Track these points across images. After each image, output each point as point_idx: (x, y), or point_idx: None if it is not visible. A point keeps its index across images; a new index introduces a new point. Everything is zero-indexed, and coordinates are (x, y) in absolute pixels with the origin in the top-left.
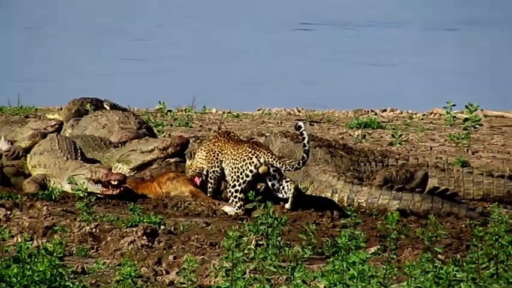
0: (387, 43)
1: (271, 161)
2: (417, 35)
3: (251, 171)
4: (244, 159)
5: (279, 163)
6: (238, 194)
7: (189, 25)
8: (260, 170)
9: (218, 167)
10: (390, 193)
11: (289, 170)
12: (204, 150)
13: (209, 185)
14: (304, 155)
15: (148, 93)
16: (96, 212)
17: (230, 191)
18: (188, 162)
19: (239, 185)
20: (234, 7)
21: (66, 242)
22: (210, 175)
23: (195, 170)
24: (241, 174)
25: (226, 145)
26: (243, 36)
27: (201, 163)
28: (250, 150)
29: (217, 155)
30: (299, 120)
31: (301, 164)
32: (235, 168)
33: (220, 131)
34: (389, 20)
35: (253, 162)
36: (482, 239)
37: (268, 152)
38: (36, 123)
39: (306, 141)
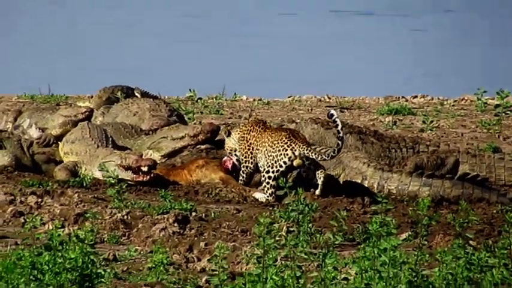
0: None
1: (307, 153)
2: (443, 21)
3: (285, 162)
4: (280, 150)
5: (315, 154)
6: (270, 181)
7: (219, 12)
8: (295, 163)
9: (252, 162)
10: (420, 180)
11: (324, 159)
12: (238, 137)
13: (241, 177)
14: (339, 142)
15: (179, 80)
16: (128, 199)
17: (264, 176)
18: (226, 140)
19: (272, 173)
20: None
21: (97, 229)
22: (243, 169)
23: (227, 149)
24: (275, 163)
25: (262, 135)
26: (272, 24)
27: (233, 144)
28: (286, 141)
29: (252, 148)
30: (331, 107)
31: (336, 152)
32: (270, 156)
33: (254, 120)
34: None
35: (287, 154)
36: None
37: (303, 144)
38: (67, 110)
39: (339, 128)
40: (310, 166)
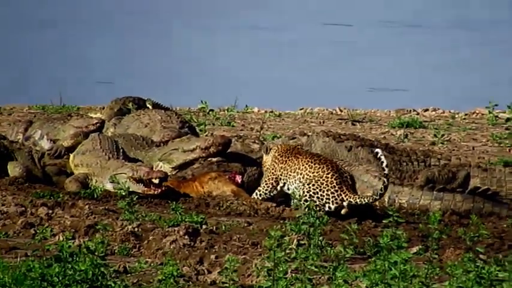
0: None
1: (354, 202)
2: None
3: (329, 207)
4: (325, 192)
5: (359, 200)
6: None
7: (230, 24)
8: (342, 212)
9: (274, 185)
10: (432, 193)
11: (367, 204)
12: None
13: (256, 194)
14: (385, 179)
15: (191, 92)
16: (138, 211)
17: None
18: (265, 157)
19: (312, 200)
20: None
21: (108, 241)
22: (264, 187)
23: (264, 166)
24: (320, 198)
25: (299, 160)
26: (287, 34)
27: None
28: (335, 186)
29: (281, 171)
30: (342, 120)
31: (382, 191)
32: (311, 190)
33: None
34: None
35: (336, 201)
36: None
37: (351, 192)
38: (78, 121)
39: (384, 165)
40: None
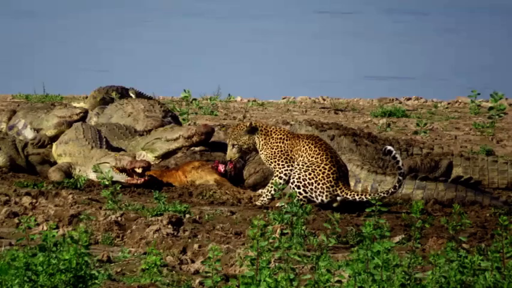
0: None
1: (351, 198)
2: (440, 20)
3: (322, 200)
4: (324, 184)
5: (358, 197)
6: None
7: (212, 14)
8: (334, 204)
9: (287, 174)
10: (414, 182)
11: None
12: (271, 144)
13: (267, 191)
14: (400, 177)
15: (174, 81)
16: (122, 201)
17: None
18: (247, 137)
19: (299, 191)
20: None
21: (91, 231)
22: (284, 173)
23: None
24: (314, 189)
25: (298, 142)
26: (269, 24)
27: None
28: (331, 178)
29: (290, 158)
30: (325, 109)
31: (395, 189)
32: (305, 175)
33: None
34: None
35: (328, 193)
36: (507, 227)
37: (346, 187)
38: (61, 111)
39: (400, 164)
40: None
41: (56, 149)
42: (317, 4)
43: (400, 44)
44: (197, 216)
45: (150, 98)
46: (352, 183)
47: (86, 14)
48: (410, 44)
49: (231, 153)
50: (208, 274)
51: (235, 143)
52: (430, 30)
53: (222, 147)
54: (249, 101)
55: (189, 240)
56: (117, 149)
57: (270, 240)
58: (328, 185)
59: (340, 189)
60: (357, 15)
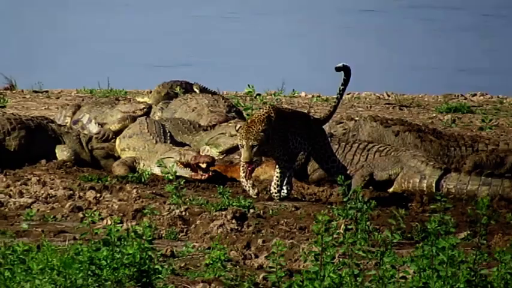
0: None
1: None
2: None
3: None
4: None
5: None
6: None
7: (278, 9)
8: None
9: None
10: (480, 179)
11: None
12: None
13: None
14: (336, 104)
15: (238, 76)
16: (186, 195)
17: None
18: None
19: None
20: None
21: (155, 225)
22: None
23: None
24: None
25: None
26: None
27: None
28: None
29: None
30: (390, 104)
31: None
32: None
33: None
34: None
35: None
36: None
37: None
38: (125, 106)
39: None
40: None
41: (119, 143)
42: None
43: (465, 38)
44: (261, 211)
45: (214, 93)
46: (416, 179)
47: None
48: (476, 38)
49: (251, 154)
50: (272, 269)
51: (255, 143)
52: (499, 26)
53: None
54: (313, 96)
55: (253, 235)
56: (181, 144)
57: (335, 236)
58: None
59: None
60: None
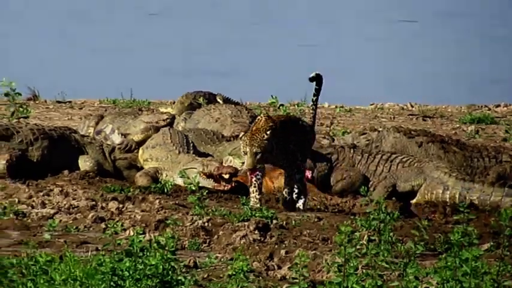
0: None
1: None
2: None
3: None
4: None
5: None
6: None
7: (300, 19)
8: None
9: None
10: (503, 190)
11: None
12: None
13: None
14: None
15: (261, 87)
16: (208, 206)
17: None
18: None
19: None
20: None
21: (178, 236)
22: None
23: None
24: None
25: None
26: (352, 30)
27: None
28: None
29: None
30: (413, 115)
31: None
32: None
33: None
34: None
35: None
36: None
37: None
38: (148, 116)
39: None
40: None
41: (142, 154)
42: (401, 12)
43: (489, 48)
44: (284, 222)
45: (237, 104)
46: (440, 191)
47: (176, 19)
48: (500, 48)
49: (254, 162)
50: (295, 280)
51: (259, 150)
52: None
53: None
54: (336, 107)
55: (276, 246)
56: (204, 155)
57: (358, 247)
58: None
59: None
60: (447, 19)
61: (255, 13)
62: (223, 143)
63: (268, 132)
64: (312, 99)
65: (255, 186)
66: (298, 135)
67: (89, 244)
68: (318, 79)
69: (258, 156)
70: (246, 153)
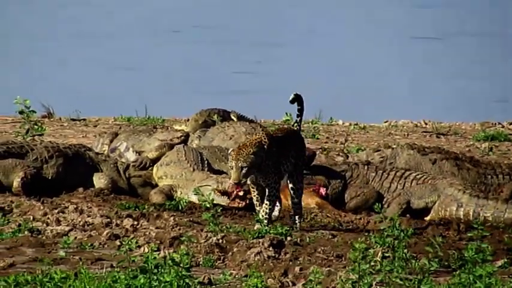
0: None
1: None
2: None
3: None
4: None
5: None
6: None
7: (313, 37)
8: None
9: None
10: None
11: None
12: None
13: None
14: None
15: (276, 104)
16: (223, 223)
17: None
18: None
19: None
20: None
21: (192, 253)
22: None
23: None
24: None
25: None
26: (366, 48)
27: None
28: None
29: None
30: (427, 133)
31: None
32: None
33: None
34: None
35: None
36: None
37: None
38: (163, 134)
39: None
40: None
41: (157, 171)
42: (413, 30)
43: (502, 65)
44: (298, 239)
45: (251, 121)
46: (453, 208)
47: (189, 34)
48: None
49: (240, 176)
50: None
51: (245, 164)
52: None
53: (323, 170)
54: (350, 124)
55: (291, 263)
56: (219, 172)
57: (372, 264)
58: None
59: None
60: (459, 38)
61: (270, 33)
62: None
63: (255, 147)
64: (296, 120)
65: (257, 200)
66: (298, 147)
67: (104, 261)
68: (298, 99)
69: (243, 171)
70: (231, 168)
